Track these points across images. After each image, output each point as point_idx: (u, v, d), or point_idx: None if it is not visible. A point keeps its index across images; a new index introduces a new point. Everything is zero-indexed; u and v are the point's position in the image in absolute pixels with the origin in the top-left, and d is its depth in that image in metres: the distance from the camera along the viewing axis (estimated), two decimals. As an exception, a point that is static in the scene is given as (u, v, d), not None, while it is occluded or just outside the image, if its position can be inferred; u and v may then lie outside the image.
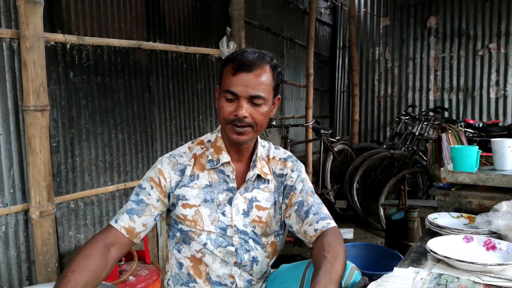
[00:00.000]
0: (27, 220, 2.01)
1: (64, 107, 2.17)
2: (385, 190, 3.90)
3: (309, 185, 1.29)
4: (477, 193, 1.61)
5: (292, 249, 3.53)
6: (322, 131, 4.29)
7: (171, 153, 1.25)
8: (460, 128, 3.70)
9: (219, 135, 1.25)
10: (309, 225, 1.18)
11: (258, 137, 1.27)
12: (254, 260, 1.24)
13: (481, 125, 4.41)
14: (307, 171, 1.34)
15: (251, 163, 1.25)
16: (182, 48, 2.86)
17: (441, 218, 1.47)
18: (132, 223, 1.14)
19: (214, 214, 1.20)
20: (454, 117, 5.21)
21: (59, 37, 2.12)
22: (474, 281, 1.00)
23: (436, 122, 4.30)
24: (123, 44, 2.46)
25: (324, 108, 6.07)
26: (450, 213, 1.53)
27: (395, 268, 1.09)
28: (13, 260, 1.98)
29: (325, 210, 1.23)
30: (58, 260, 2.08)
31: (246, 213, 1.22)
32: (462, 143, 3.47)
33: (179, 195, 1.20)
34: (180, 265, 1.26)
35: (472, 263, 1.02)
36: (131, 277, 1.89)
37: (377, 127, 5.81)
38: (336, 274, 1.00)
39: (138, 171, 2.59)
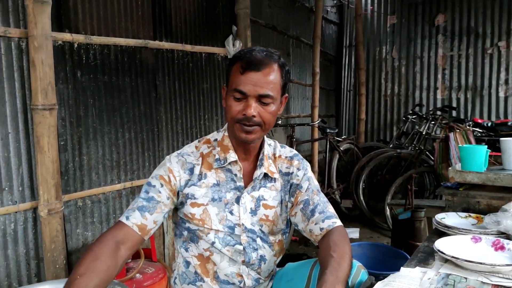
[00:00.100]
0: (36, 217, 2.03)
1: (71, 106, 2.19)
2: (391, 190, 3.88)
3: (315, 184, 1.28)
4: (485, 193, 1.59)
5: (298, 248, 3.52)
6: (328, 130, 4.28)
7: (178, 152, 1.25)
8: (468, 127, 3.67)
9: (226, 134, 1.25)
10: (315, 224, 1.18)
11: (265, 135, 1.27)
12: (262, 258, 1.25)
13: (489, 124, 4.36)
14: (312, 170, 1.34)
15: (258, 162, 1.25)
16: (188, 47, 2.87)
17: (448, 218, 1.46)
18: (144, 220, 1.13)
19: (222, 213, 1.20)
20: (462, 116, 5.17)
21: (66, 36, 2.14)
22: (482, 282, 0.99)
23: (443, 121, 4.28)
24: (130, 43, 2.47)
25: (330, 107, 6.05)
26: (458, 213, 1.52)
27: (402, 267, 1.09)
28: (22, 257, 2.00)
29: (331, 209, 1.23)
30: (66, 257, 2.10)
31: (253, 212, 1.23)
32: (470, 143, 3.45)
33: (188, 194, 1.20)
34: (187, 263, 1.26)
35: (481, 263, 1.01)
36: (138, 275, 1.90)
37: (384, 126, 5.78)
38: (343, 273, 1.00)
39: (144, 169, 2.61)
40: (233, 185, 1.22)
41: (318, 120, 4.33)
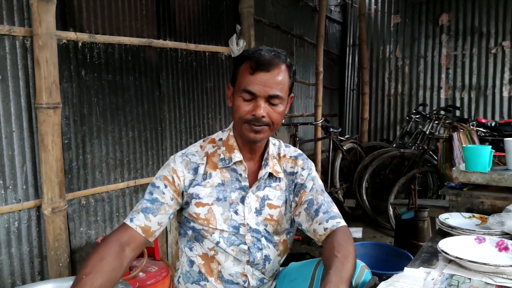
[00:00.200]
0: (40, 216, 2.04)
1: (75, 104, 2.20)
2: (394, 189, 3.88)
3: (319, 184, 1.28)
4: (489, 193, 1.59)
5: (300, 247, 3.52)
6: (331, 130, 4.27)
7: (183, 151, 1.25)
8: (472, 127, 3.66)
9: (231, 133, 1.25)
10: (319, 224, 1.18)
11: (269, 135, 1.27)
12: (266, 258, 1.25)
13: (493, 124, 4.35)
14: (315, 170, 1.34)
15: (263, 162, 1.25)
16: (192, 46, 2.87)
17: (452, 218, 1.46)
18: (147, 222, 1.14)
19: (226, 212, 1.20)
20: (466, 116, 5.15)
21: (71, 35, 2.14)
22: (486, 282, 0.99)
23: (447, 121, 4.26)
24: (134, 42, 2.47)
25: (334, 107, 6.04)
26: (461, 213, 1.52)
27: (405, 268, 1.09)
28: (25, 255, 2.01)
29: (335, 209, 1.23)
30: (69, 256, 2.10)
31: (258, 212, 1.23)
32: (474, 143, 3.43)
33: (192, 193, 1.20)
34: (191, 263, 1.26)
35: (485, 264, 1.01)
36: (141, 273, 1.90)
37: (387, 126, 5.77)
38: (347, 273, 1.00)
39: (148, 168, 2.61)
40: (238, 184, 1.22)
41: (321, 119, 4.33)
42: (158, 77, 2.65)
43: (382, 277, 1.10)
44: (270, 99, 1.12)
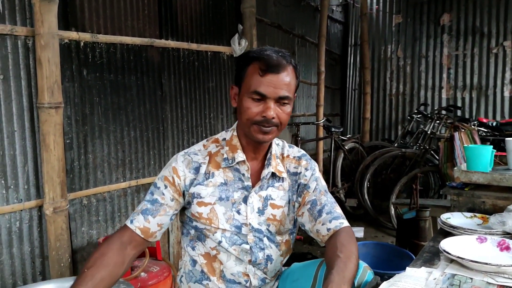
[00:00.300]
0: (41, 215, 2.05)
1: (77, 104, 2.20)
2: (396, 189, 3.88)
3: (323, 184, 1.29)
4: (491, 193, 1.59)
5: (302, 247, 3.53)
6: (333, 129, 4.27)
7: (186, 151, 1.26)
8: (473, 127, 3.65)
9: (234, 133, 1.25)
10: (322, 224, 1.18)
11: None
12: (268, 258, 1.25)
13: (494, 124, 4.35)
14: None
15: (266, 161, 1.25)
16: (194, 46, 2.87)
17: (454, 218, 1.46)
18: (146, 223, 1.16)
19: (229, 212, 1.21)
20: (467, 115, 5.14)
21: (73, 35, 2.14)
22: (487, 282, 0.99)
23: (448, 121, 4.26)
24: (136, 42, 2.48)
25: (335, 106, 6.04)
26: (463, 213, 1.52)
27: (407, 268, 1.09)
28: (27, 255, 2.01)
29: (338, 210, 1.23)
30: (71, 256, 2.11)
31: (261, 212, 1.23)
32: (475, 142, 3.43)
33: (194, 193, 1.20)
34: (194, 262, 1.27)
35: (486, 263, 1.01)
36: (142, 273, 1.90)
37: (389, 126, 5.77)
38: (349, 273, 1.00)
39: (150, 168, 2.62)
40: (240, 184, 1.23)
41: (323, 119, 4.33)
42: (160, 76, 2.66)
43: (384, 277, 1.10)
44: (279, 100, 1.13)
